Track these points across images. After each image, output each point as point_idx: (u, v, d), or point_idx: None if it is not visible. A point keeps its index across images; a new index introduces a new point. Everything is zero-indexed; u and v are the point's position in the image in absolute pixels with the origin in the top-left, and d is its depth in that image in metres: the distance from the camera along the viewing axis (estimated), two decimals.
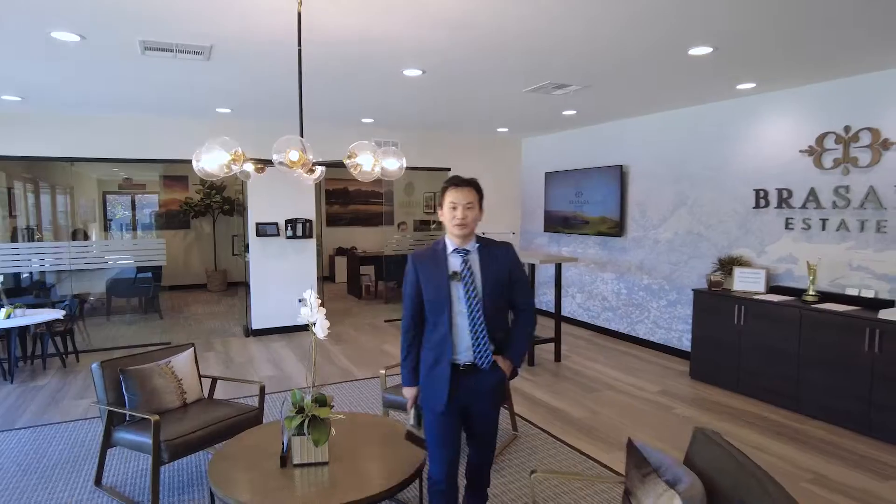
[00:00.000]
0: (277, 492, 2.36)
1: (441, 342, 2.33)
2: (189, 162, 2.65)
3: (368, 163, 2.51)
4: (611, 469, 3.57)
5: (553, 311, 6.14)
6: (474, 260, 2.37)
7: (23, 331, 5.82)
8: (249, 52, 3.72)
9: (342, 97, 5.25)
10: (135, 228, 11.51)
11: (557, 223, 7.90)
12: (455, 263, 2.35)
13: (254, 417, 3.41)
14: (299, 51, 2.67)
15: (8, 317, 5.48)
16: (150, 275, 8.57)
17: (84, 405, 4.79)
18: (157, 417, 2.98)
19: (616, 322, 7.08)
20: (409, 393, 2.49)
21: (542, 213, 8.25)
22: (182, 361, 3.57)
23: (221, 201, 10.68)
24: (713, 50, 3.74)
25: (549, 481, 3.38)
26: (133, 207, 11.84)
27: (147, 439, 3.02)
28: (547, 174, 8.04)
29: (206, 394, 3.72)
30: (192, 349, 3.71)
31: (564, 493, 3.27)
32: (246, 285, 7.50)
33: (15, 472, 3.55)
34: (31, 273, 7.81)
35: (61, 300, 6.82)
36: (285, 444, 2.57)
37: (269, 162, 2.54)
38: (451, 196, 2.33)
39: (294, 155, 2.26)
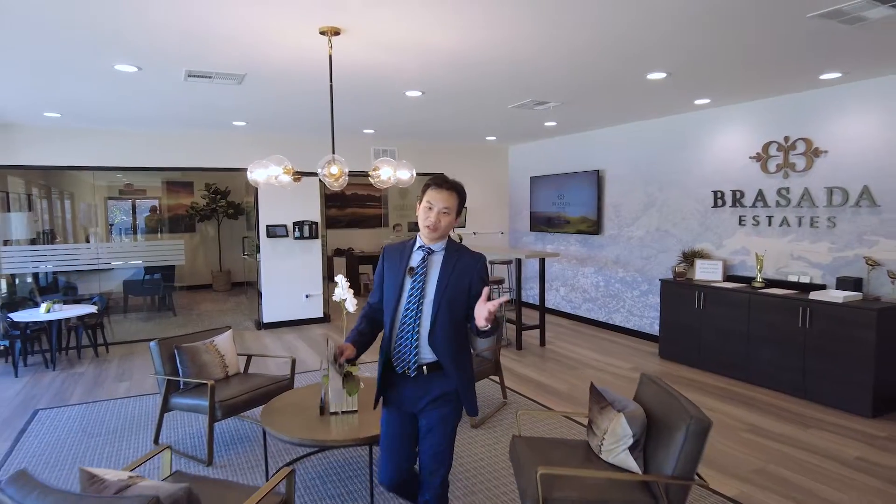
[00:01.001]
0: (319, 430, 3.03)
1: (386, 340, 2.28)
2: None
3: (387, 174, 3.19)
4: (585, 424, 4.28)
5: (538, 302, 6.85)
6: (435, 261, 2.25)
7: (59, 324, 6.41)
8: (275, 78, 4.39)
9: (348, 112, 5.91)
10: (136, 231, 12.05)
11: (542, 223, 8.61)
12: (415, 259, 2.27)
13: (286, 385, 4.08)
14: (331, 86, 3.36)
15: (48, 311, 6.11)
16: (160, 276, 9.18)
17: (124, 387, 5.42)
18: (213, 382, 3.65)
19: (596, 312, 7.80)
20: (339, 343, 2.39)
21: (528, 213, 8.97)
22: (223, 340, 4.23)
23: (226, 205, 11.29)
24: (667, 75, 4.47)
25: (530, 423, 4.07)
26: (133, 212, 12.38)
27: (203, 402, 3.68)
28: (532, 178, 8.76)
29: (241, 370, 4.38)
30: (230, 331, 4.37)
31: (543, 432, 3.96)
32: (250, 283, 8.13)
33: (82, 436, 4.18)
34: (46, 273, 8.38)
35: (87, 297, 7.42)
36: (323, 397, 3.24)
37: (306, 174, 3.22)
38: (430, 196, 2.22)
39: (334, 169, 2.93)
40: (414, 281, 2.22)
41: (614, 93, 5.13)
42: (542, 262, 6.66)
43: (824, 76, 4.56)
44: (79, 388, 5.39)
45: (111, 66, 4.00)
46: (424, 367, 2.24)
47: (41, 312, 6.07)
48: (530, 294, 9.08)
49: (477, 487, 3.34)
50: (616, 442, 2.57)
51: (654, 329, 6.75)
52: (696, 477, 2.37)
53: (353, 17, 3.04)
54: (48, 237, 9.25)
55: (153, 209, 12.03)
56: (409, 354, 2.22)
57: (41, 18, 3.01)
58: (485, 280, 2.25)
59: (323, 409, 3.23)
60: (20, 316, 5.92)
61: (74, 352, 6.64)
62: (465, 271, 2.22)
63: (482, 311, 2.03)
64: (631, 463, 2.52)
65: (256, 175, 3.17)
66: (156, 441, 4.01)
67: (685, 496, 2.37)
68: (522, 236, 9.28)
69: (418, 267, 2.24)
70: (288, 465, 3.61)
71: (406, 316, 2.22)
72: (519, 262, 6.57)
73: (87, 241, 10.45)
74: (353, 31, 3.26)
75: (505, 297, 2.17)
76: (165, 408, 3.91)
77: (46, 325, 6.22)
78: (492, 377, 4.83)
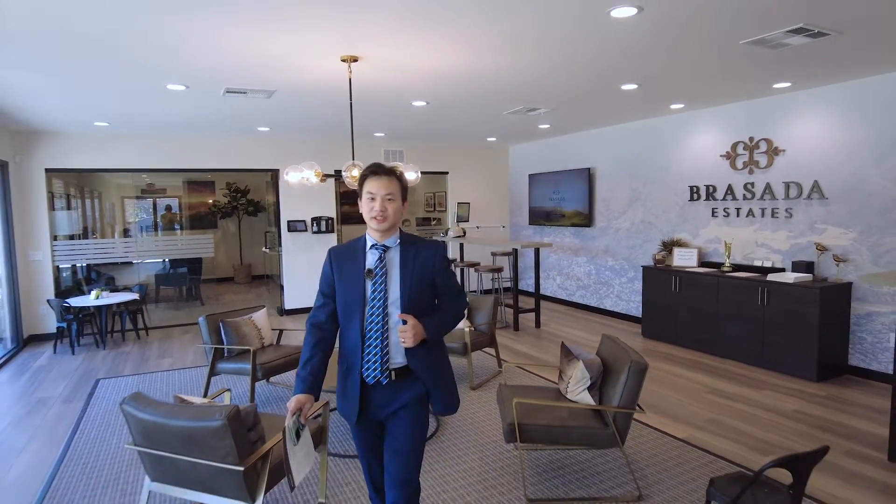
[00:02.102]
0: None
1: (352, 351, 2.10)
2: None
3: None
4: None
5: (533, 288, 7.56)
6: (393, 258, 2.11)
7: (106, 309, 7.20)
8: (301, 93, 5.11)
9: (361, 119, 6.62)
10: (156, 228, 12.85)
11: (540, 217, 9.30)
12: (371, 260, 2.11)
13: None
14: (350, 105, 4.09)
15: (97, 297, 6.90)
16: (186, 269, 9.99)
17: (168, 362, 6.19)
18: (255, 347, 4.40)
19: (588, 298, 8.50)
20: (294, 400, 2.09)
21: (527, 208, 9.67)
22: (259, 316, 4.97)
23: (247, 203, 12.07)
24: (638, 86, 5.16)
25: (517, 380, 4.77)
26: (154, 210, 13.15)
27: (246, 365, 4.43)
28: (530, 175, 9.45)
29: (274, 342, 5.12)
30: (264, 309, 5.12)
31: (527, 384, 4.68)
32: (269, 276, 8.88)
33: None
34: (82, 266, 9.20)
35: (123, 288, 8.21)
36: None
37: (330, 175, 3.94)
38: (370, 186, 2.09)
39: (355, 172, 3.65)
40: (374, 284, 2.07)
41: (594, 100, 5.82)
42: (537, 252, 7.36)
43: (776, 86, 5.23)
44: (129, 364, 6.17)
45: (164, 86, 4.75)
46: (393, 373, 2.10)
47: (92, 299, 6.87)
48: (529, 283, 9.78)
49: (469, 435, 4.06)
50: (577, 383, 3.29)
51: (639, 312, 7.43)
52: (637, 407, 3.08)
53: (369, 47, 3.76)
54: (86, 233, 10.07)
55: (168, 208, 12.81)
56: (379, 362, 2.06)
57: (111, 50, 3.75)
58: (447, 268, 2.18)
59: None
60: (75, 302, 6.71)
61: (119, 334, 7.43)
62: (426, 263, 2.11)
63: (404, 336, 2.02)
64: (588, 399, 3.23)
65: (291, 177, 3.90)
66: None
67: (628, 422, 3.09)
68: (522, 230, 9.98)
69: (376, 268, 2.08)
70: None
71: (372, 321, 2.06)
72: (515, 252, 7.28)
73: (122, 236, 11.27)
74: (368, 58, 3.98)
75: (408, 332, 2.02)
76: (213, 372, 4.66)
77: (96, 311, 7.01)
78: (486, 349, 5.54)
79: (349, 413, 2.15)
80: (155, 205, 12.94)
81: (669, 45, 3.84)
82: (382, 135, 8.18)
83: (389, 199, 2.07)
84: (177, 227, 12.54)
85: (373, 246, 2.13)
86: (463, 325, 5.14)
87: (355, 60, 3.98)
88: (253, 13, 3.07)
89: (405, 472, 2.13)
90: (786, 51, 4.00)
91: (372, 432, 2.21)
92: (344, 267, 2.15)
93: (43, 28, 3.23)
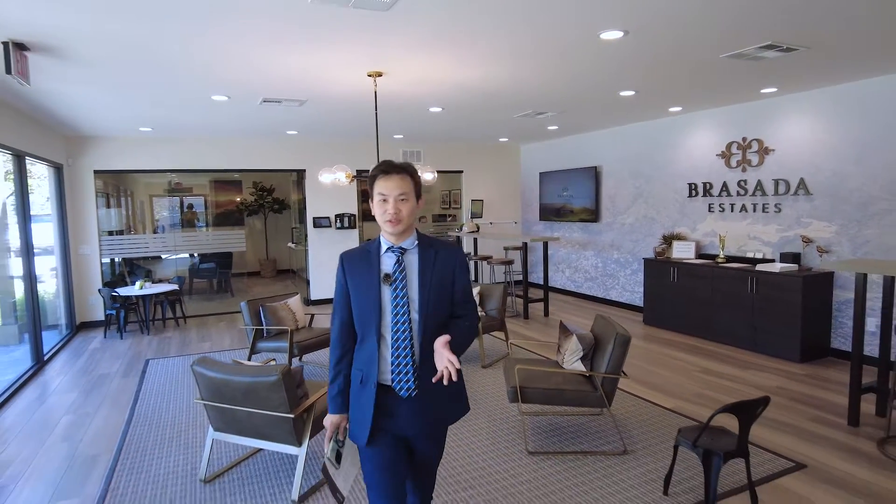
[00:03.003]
0: None
1: (369, 359, 1.96)
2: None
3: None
4: None
5: (542, 281, 8.07)
6: (411, 261, 1.99)
7: (149, 298, 7.86)
8: (330, 102, 5.68)
9: (382, 122, 7.17)
10: (184, 224, 13.54)
11: (550, 213, 9.80)
12: (388, 264, 1.98)
13: None
14: (376, 115, 4.65)
15: (141, 287, 7.56)
16: (215, 264, 10.66)
17: (208, 345, 6.82)
18: (292, 328, 4.99)
19: (595, 289, 8.99)
20: (329, 421, 2.06)
21: (537, 205, 10.17)
22: (294, 301, 5.57)
23: (272, 201, 12.72)
24: (635, 92, 5.65)
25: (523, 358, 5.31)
26: (181, 207, 13.82)
27: (284, 343, 5.02)
28: (541, 174, 9.95)
29: (307, 324, 5.71)
30: (297, 295, 5.71)
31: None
32: (293, 270, 9.48)
33: (188, 374, 5.57)
34: (117, 259, 9.90)
35: (162, 280, 8.88)
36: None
37: (358, 175, 4.50)
38: (381, 186, 1.95)
39: None
40: (395, 289, 1.94)
41: (596, 105, 6.31)
42: (545, 245, 7.88)
43: (764, 91, 5.69)
44: (173, 346, 6.81)
45: (209, 97, 5.35)
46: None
47: (136, 289, 7.53)
48: (540, 275, 10.28)
49: (479, 404, 4.60)
50: (572, 354, 3.82)
51: (642, 301, 7.91)
52: (622, 373, 3.60)
53: (392, 64, 4.31)
54: (126, 229, 10.78)
55: (189, 206, 13.46)
56: (412, 373, 1.94)
57: (166, 69, 4.35)
58: (466, 272, 2.08)
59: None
60: (123, 291, 7.38)
61: (160, 322, 8.10)
62: (446, 265, 2.01)
63: (440, 360, 1.85)
64: (580, 367, 3.76)
65: (324, 178, 4.47)
66: None
67: (614, 386, 3.61)
68: (533, 225, 10.48)
69: (395, 273, 1.95)
70: None
71: (398, 330, 1.93)
72: (525, 245, 7.80)
73: (152, 232, 11.98)
74: (391, 73, 4.54)
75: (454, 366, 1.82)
76: (253, 350, 5.26)
77: (139, 300, 7.67)
78: (497, 333, 6.08)
79: (360, 431, 1.96)
80: (182, 203, 13.62)
81: (656, 61, 4.34)
82: (401, 136, 8.74)
83: (403, 200, 1.93)
84: (200, 224, 13.22)
85: (389, 249, 1.98)
86: None
87: (380, 75, 4.54)
88: (295, 38, 3.64)
89: (432, 481, 2.15)
90: (765, 62, 4.47)
91: (396, 448, 1.99)
92: (358, 273, 2.00)
93: (109, 53, 3.83)
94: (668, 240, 7.33)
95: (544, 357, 5.81)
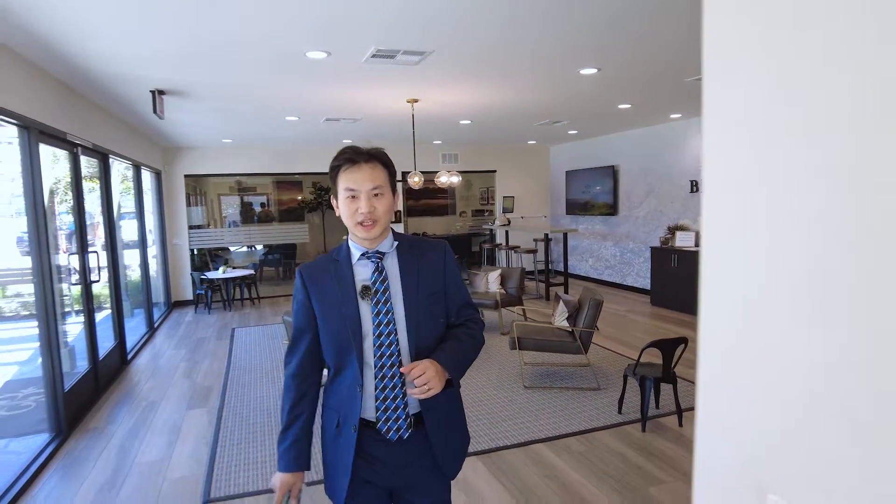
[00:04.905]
0: None
1: (348, 396, 1.57)
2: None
3: (445, 179, 5.69)
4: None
5: (562, 269, 9.18)
6: (391, 265, 1.60)
7: (230, 281, 9.42)
8: (378, 119, 7.00)
9: (421, 132, 8.46)
10: (252, 220, 15.23)
11: (576, 208, 10.87)
12: (364, 273, 1.58)
13: None
14: (413, 132, 5.91)
15: (224, 272, 9.12)
16: (278, 255, 12.23)
17: (279, 319, 8.28)
18: None
19: (613, 276, 10.03)
20: (279, 481, 1.62)
21: (564, 201, 11.25)
22: None
23: (329, 200, 14.23)
24: (631, 105, 6.72)
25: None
26: (242, 204, 15.48)
27: None
28: (567, 172, 11.03)
29: None
30: None
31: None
32: None
33: (270, 339, 7.02)
34: (195, 250, 11.58)
35: (241, 266, 10.47)
36: None
37: (400, 180, 5.77)
38: (347, 180, 1.53)
39: (416, 178, 5.46)
40: (375, 304, 1.55)
41: (601, 115, 7.40)
42: (565, 236, 9.00)
43: None
44: (251, 319, 8.32)
45: (283, 118, 6.76)
46: (412, 419, 1.59)
47: (220, 273, 9.10)
48: (569, 264, 11.36)
49: (493, 360, 5.82)
50: (560, 315, 5.00)
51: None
52: (595, 328, 4.75)
53: (426, 94, 5.57)
54: (209, 224, 12.51)
55: (262, 204, 15.14)
56: (401, 409, 1.56)
57: (253, 99, 5.75)
58: (456, 271, 1.69)
59: None
60: (210, 275, 8.96)
61: (238, 301, 9.67)
62: (434, 268, 1.64)
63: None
64: (565, 324, 4.94)
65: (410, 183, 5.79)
66: None
67: (590, 338, 4.77)
68: (560, 219, 11.57)
69: (374, 283, 1.56)
70: None
71: (384, 355, 1.54)
72: (546, 236, 8.94)
73: (221, 227, 13.70)
74: (425, 100, 5.81)
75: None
76: None
77: (221, 282, 9.24)
78: (514, 308, 7.27)
79: (338, 486, 1.59)
80: (242, 200, 15.32)
81: (631, 87, 5.43)
82: (440, 141, 10.01)
83: (377, 195, 1.54)
84: (253, 221, 14.88)
85: (363, 255, 1.59)
86: (495, 287, 6.89)
87: (416, 101, 5.81)
88: (353, 82, 4.95)
89: None
90: None
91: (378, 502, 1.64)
92: (325, 288, 1.59)
93: (216, 92, 5.25)
94: (673, 230, 8.32)
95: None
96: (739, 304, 0.77)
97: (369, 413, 1.56)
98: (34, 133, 3.95)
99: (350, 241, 1.62)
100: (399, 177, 5.20)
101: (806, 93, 0.65)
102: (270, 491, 3.27)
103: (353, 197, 1.52)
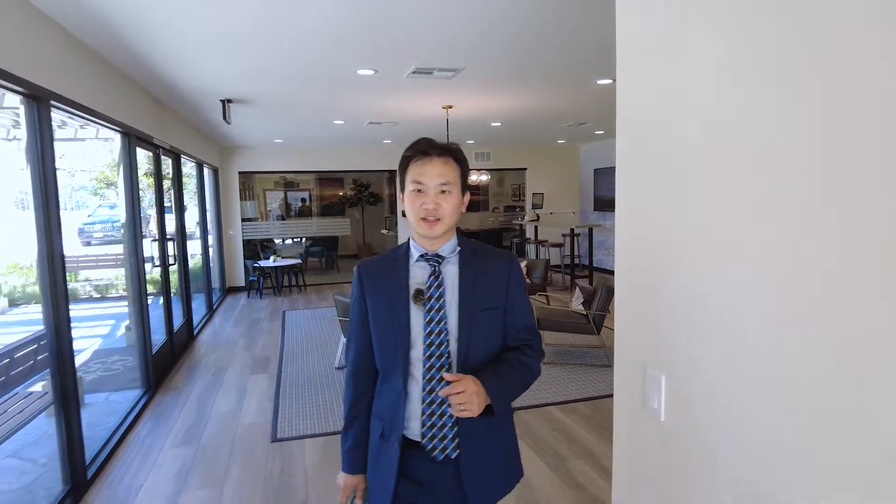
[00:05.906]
0: None
1: (393, 406, 1.48)
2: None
3: (474, 177, 6.31)
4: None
5: (596, 263, 9.71)
6: (450, 272, 1.48)
7: (280, 269, 10.26)
8: (416, 122, 7.67)
9: (456, 133, 9.08)
10: (295, 214, 16.13)
11: (603, 204, 11.35)
12: (420, 276, 1.47)
13: None
14: (447, 134, 6.55)
15: (274, 261, 9.97)
16: (320, 247, 13.07)
17: (325, 303, 9.07)
18: None
19: None
20: (343, 481, 1.60)
21: (592, 197, 11.74)
22: None
23: (369, 195, 15.03)
24: None
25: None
26: (285, 199, 16.35)
27: None
28: (595, 170, 11.51)
29: None
30: None
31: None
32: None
33: (318, 320, 7.79)
34: (245, 240, 12.50)
35: (289, 256, 11.33)
36: None
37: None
38: (416, 172, 1.44)
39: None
40: (428, 310, 1.43)
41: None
42: (591, 231, 9.53)
43: None
44: (300, 303, 9.13)
45: (331, 122, 7.51)
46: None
47: (271, 261, 9.95)
48: (597, 258, 11.86)
49: None
50: (576, 300, 5.59)
51: None
52: (608, 311, 5.33)
53: (459, 101, 6.21)
54: (261, 217, 13.44)
55: (303, 200, 16.02)
56: (448, 426, 1.44)
57: (307, 105, 6.49)
58: (521, 286, 1.54)
59: None
60: (262, 263, 9.82)
61: (286, 288, 10.52)
62: (496, 281, 1.50)
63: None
64: (581, 308, 5.53)
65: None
66: None
67: (602, 320, 5.34)
68: (589, 214, 12.06)
69: (429, 288, 1.44)
70: None
71: (433, 367, 1.42)
72: (572, 231, 9.49)
73: (266, 220, 14.65)
74: (458, 106, 6.45)
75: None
76: None
77: (272, 270, 10.09)
78: (538, 296, 7.86)
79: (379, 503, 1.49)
80: (286, 196, 16.23)
81: None
82: (473, 141, 10.63)
83: (445, 192, 1.43)
84: (295, 215, 15.78)
85: (422, 256, 1.49)
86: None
87: (451, 107, 6.46)
88: (394, 92, 5.63)
89: None
90: None
91: None
92: (380, 288, 1.50)
93: (275, 101, 6.00)
94: None
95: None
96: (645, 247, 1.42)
97: (414, 429, 1.45)
98: (133, 139, 4.76)
99: (411, 241, 1.52)
100: None
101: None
102: (325, 434, 4.00)
103: (419, 191, 1.43)
